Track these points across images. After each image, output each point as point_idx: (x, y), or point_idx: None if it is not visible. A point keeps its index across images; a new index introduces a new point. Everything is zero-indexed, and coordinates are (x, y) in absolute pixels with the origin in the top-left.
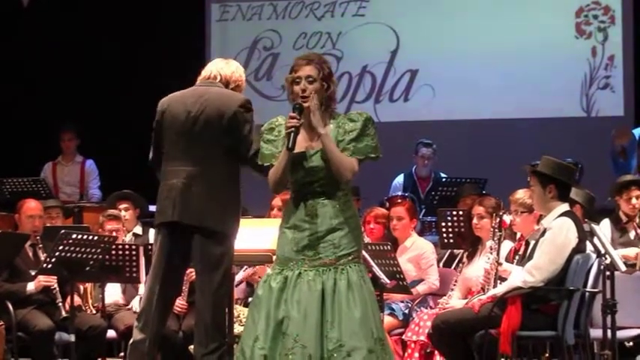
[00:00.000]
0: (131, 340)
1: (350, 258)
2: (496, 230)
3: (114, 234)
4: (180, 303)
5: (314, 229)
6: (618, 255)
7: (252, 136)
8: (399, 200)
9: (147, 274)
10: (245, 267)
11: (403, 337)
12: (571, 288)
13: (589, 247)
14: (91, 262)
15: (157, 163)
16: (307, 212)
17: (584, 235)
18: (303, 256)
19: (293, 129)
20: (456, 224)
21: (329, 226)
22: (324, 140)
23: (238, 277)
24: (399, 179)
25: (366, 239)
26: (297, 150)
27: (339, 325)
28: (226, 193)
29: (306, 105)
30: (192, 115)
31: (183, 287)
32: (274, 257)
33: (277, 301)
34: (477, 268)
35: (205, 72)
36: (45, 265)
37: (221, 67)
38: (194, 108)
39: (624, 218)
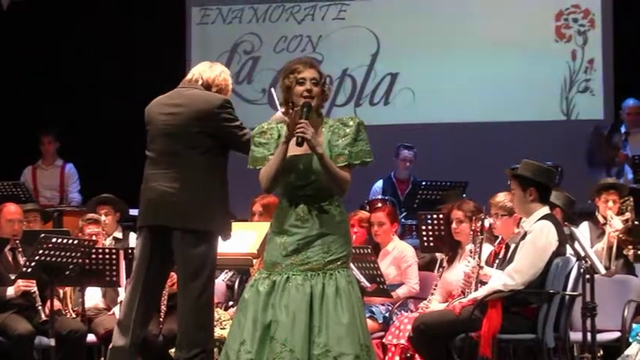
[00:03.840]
0: (111, 345)
1: (339, 263)
2: (477, 234)
3: (94, 238)
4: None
5: (304, 234)
6: (597, 257)
7: (239, 127)
8: (379, 205)
9: (127, 277)
10: (226, 271)
11: (383, 340)
12: (551, 291)
13: (569, 251)
14: (71, 266)
15: None
16: (298, 217)
17: (565, 239)
18: (292, 261)
19: (303, 134)
20: (436, 227)
21: (319, 231)
22: (324, 160)
23: (218, 280)
24: (379, 184)
25: None
26: (288, 154)
27: (326, 331)
28: (209, 192)
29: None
30: (169, 117)
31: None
32: (255, 261)
33: (265, 305)
34: (457, 272)
35: (188, 75)
36: (24, 269)
37: (203, 70)
38: (171, 110)
39: (602, 220)
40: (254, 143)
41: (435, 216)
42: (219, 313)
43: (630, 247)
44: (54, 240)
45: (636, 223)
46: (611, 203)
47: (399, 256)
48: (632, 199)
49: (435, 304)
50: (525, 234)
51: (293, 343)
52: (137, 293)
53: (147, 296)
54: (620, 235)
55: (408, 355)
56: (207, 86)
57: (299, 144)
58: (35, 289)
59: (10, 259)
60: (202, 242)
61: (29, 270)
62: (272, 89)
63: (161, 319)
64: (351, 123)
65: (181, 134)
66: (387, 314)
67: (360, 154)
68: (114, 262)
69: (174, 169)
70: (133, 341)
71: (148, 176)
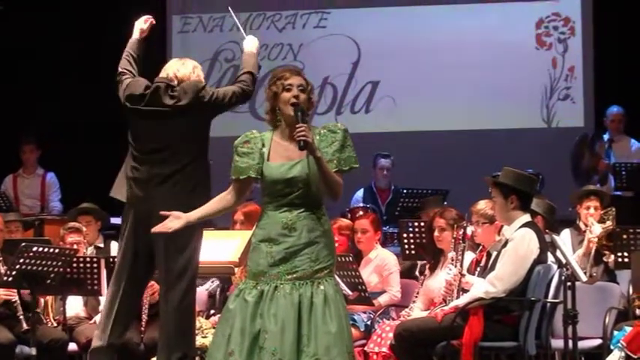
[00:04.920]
0: (91, 348)
1: (326, 272)
2: (460, 241)
3: (75, 247)
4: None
5: (292, 243)
6: (579, 264)
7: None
8: (362, 213)
9: (108, 286)
10: (212, 279)
11: (365, 348)
12: (532, 298)
13: (550, 258)
14: (52, 275)
15: None
16: (285, 225)
17: (546, 246)
18: (279, 270)
19: (305, 137)
20: (417, 235)
21: (307, 240)
22: (322, 164)
23: (201, 289)
24: (359, 193)
25: None
26: (277, 161)
27: (315, 340)
28: (200, 196)
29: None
30: (150, 112)
31: (144, 300)
32: (237, 270)
33: (253, 314)
34: (438, 280)
35: (162, 73)
36: (5, 278)
37: (177, 68)
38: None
39: (584, 228)
40: (237, 153)
41: (416, 223)
42: (200, 321)
43: (609, 252)
44: (35, 249)
45: (616, 228)
46: (592, 210)
47: (381, 264)
48: (614, 209)
49: (416, 311)
50: (507, 242)
51: (282, 353)
52: (119, 290)
53: (129, 294)
54: (600, 240)
55: None
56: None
57: (302, 148)
58: (17, 298)
59: None
60: (189, 243)
61: (10, 279)
62: (230, 10)
63: (142, 328)
64: (338, 130)
65: (170, 134)
66: (368, 322)
67: (349, 160)
68: (95, 270)
69: (163, 170)
70: (111, 340)
71: (130, 165)
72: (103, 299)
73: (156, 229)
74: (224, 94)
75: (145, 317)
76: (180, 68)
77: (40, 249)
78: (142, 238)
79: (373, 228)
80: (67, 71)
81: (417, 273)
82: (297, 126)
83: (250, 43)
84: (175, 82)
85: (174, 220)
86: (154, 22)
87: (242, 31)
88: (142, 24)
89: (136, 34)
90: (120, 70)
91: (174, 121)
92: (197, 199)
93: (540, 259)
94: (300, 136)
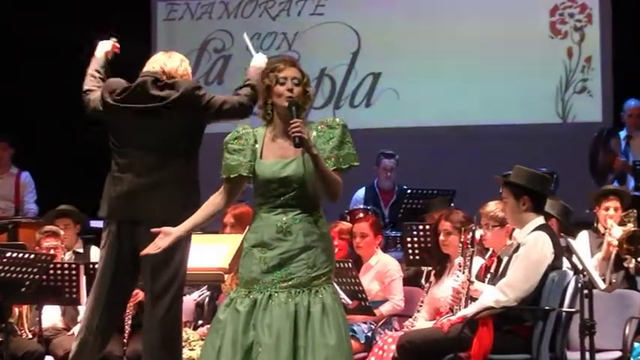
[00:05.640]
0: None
1: (324, 279)
2: (468, 246)
3: (52, 252)
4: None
5: (287, 248)
6: (597, 269)
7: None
8: (362, 215)
9: (88, 294)
10: (203, 288)
11: None
12: (546, 308)
13: (566, 264)
14: (27, 283)
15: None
16: (279, 229)
17: (561, 251)
18: (273, 277)
19: (300, 133)
20: (422, 239)
21: (303, 244)
22: (319, 162)
23: (189, 298)
24: (360, 193)
25: None
26: (270, 158)
27: (312, 353)
28: (187, 198)
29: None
30: (143, 114)
31: (127, 310)
32: (227, 277)
33: (245, 325)
34: (445, 288)
35: (148, 67)
36: None
37: (164, 61)
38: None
39: (603, 230)
40: (227, 150)
41: (421, 227)
42: (187, 333)
43: (630, 256)
44: (9, 254)
45: (638, 231)
46: (612, 211)
47: (382, 270)
48: (635, 211)
49: (421, 321)
50: (518, 246)
51: None
52: (101, 299)
53: (111, 301)
54: (621, 243)
55: None
56: (170, 79)
57: (297, 145)
58: None
59: None
60: (175, 256)
61: None
62: (244, 34)
63: (125, 340)
64: (336, 125)
65: (159, 134)
66: (369, 333)
67: (348, 158)
68: (74, 278)
69: (151, 171)
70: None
71: (118, 166)
72: (83, 309)
73: (146, 250)
74: (220, 100)
75: (127, 329)
76: (167, 61)
77: (15, 254)
78: (126, 245)
79: (373, 232)
80: (45, 64)
81: (422, 280)
82: (292, 121)
83: (258, 60)
84: (164, 77)
85: (164, 238)
86: (119, 51)
87: (252, 49)
88: (107, 47)
89: (100, 54)
90: (85, 88)
91: (161, 119)
92: (187, 208)
93: (555, 265)
94: (295, 132)
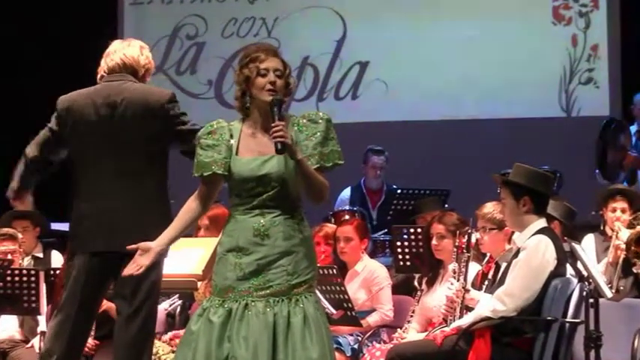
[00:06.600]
0: None
1: (305, 287)
2: (463, 251)
3: (9, 257)
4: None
5: (264, 252)
6: (604, 275)
7: (191, 128)
8: (347, 217)
9: (48, 303)
10: (174, 298)
11: None
12: (549, 318)
13: (569, 271)
14: None
15: (42, 162)
16: (256, 232)
17: (564, 256)
18: (250, 285)
19: (283, 139)
20: (413, 244)
21: (282, 249)
22: (304, 167)
23: (160, 308)
24: (346, 193)
25: None
26: (247, 155)
27: None
28: (157, 209)
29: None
30: (109, 119)
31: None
32: (200, 284)
33: (220, 337)
34: (438, 296)
35: (109, 63)
36: None
37: (124, 52)
38: (109, 111)
39: (610, 233)
40: (200, 146)
41: (412, 230)
42: (157, 346)
43: (638, 260)
44: None
45: None
46: (619, 212)
47: (369, 277)
48: None
49: (412, 333)
50: (518, 251)
51: None
52: (67, 324)
53: (78, 328)
54: (629, 245)
55: None
56: (135, 72)
57: (279, 151)
58: None
59: None
60: (152, 270)
61: None
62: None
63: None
64: (320, 120)
65: (126, 140)
66: (355, 346)
67: (332, 155)
68: (33, 285)
69: (117, 182)
70: None
71: (83, 190)
72: (43, 319)
73: (127, 271)
74: (191, 124)
75: (92, 342)
76: (127, 51)
77: None
78: (96, 260)
79: (358, 235)
80: (8, 49)
81: (416, 286)
82: (274, 125)
83: None
84: (130, 72)
85: (144, 255)
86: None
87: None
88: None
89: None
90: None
91: (129, 129)
92: (162, 223)
93: (558, 272)
94: (277, 137)
